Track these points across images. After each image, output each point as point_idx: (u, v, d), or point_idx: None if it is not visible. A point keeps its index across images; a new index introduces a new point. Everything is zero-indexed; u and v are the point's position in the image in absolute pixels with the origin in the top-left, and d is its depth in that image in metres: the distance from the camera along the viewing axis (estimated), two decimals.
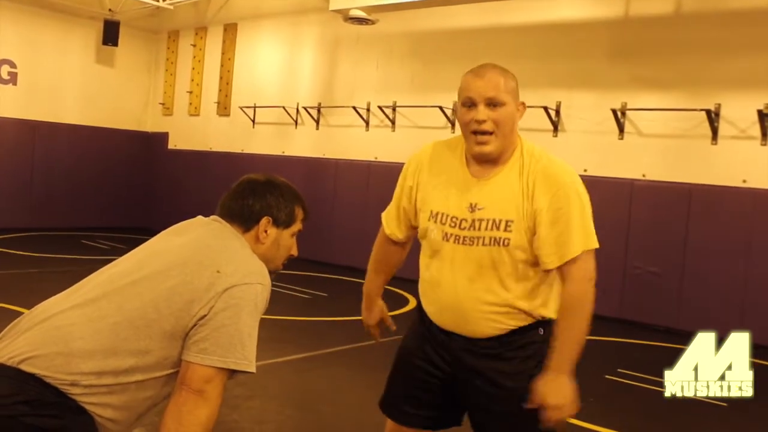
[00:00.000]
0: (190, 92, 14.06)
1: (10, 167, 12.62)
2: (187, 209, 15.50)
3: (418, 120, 10.53)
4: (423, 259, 2.38)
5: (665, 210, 8.28)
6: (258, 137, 12.76)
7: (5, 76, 12.72)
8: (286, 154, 12.22)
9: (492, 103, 2.16)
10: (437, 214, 2.27)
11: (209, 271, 1.85)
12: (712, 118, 7.93)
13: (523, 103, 2.27)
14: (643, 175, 8.46)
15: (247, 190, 2.10)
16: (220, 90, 13.50)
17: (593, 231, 2.21)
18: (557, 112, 9.08)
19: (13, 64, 12.76)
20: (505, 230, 2.17)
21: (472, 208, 2.21)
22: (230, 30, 13.31)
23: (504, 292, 2.20)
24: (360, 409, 4.79)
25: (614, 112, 8.52)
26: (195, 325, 1.82)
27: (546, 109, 9.01)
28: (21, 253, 10.17)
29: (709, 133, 7.99)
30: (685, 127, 8.21)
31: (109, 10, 13.37)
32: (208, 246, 1.96)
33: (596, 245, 2.19)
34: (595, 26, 8.89)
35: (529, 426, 2.17)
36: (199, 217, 2.14)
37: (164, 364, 1.86)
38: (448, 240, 2.24)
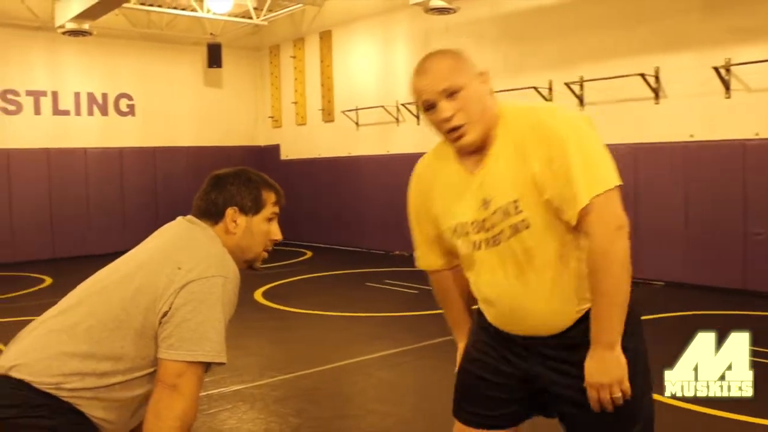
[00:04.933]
0: (295, 103, 14.44)
1: (136, 192, 13.49)
2: (299, 217, 15.87)
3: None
4: (469, 280, 2.16)
5: None
6: (362, 139, 12.92)
7: (124, 109, 13.57)
8: (390, 152, 12.28)
9: (449, 93, 1.94)
10: (456, 226, 2.07)
11: (170, 269, 1.90)
12: None
13: (483, 72, 2.00)
14: (756, 134, 7.88)
15: (211, 186, 2.11)
16: (322, 97, 13.78)
17: (605, 168, 1.88)
18: (656, 78, 8.61)
19: (130, 97, 13.59)
20: (516, 213, 1.93)
21: (485, 204, 1.98)
22: (326, 37, 13.55)
23: (558, 277, 1.96)
24: (441, 402, 4.73)
25: (717, 70, 7.98)
26: (161, 323, 1.88)
27: (643, 76, 8.57)
28: None
29: None
30: None
31: (211, 34, 13.94)
32: (172, 244, 2.00)
33: (611, 184, 1.86)
34: None
35: (615, 419, 1.96)
36: (178, 218, 2.15)
37: (142, 364, 1.92)
38: (479, 248, 2.03)
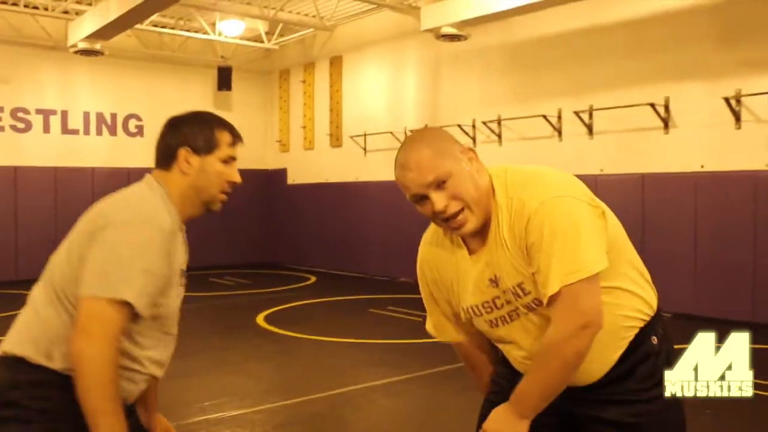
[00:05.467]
0: (304, 127, 14.44)
1: None
2: (304, 242, 15.74)
3: (523, 131, 10.28)
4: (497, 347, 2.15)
5: None
6: (370, 164, 12.88)
7: (133, 130, 13.61)
8: None
9: (438, 185, 1.83)
10: (469, 308, 2.02)
11: (100, 221, 1.90)
12: None
13: (468, 149, 1.91)
14: (767, 165, 7.82)
15: (165, 129, 2.08)
16: (331, 122, 13.78)
17: (583, 255, 1.77)
18: (666, 108, 8.57)
19: (139, 118, 13.63)
20: (524, 294, 1.88)
21: (494, 282, 1.93)
22: (336, 63, 13.59)
23: None
24: (444, 430, 4.64)
25: (727, 100, 7.94)
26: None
27: (653, 105, 8.54)
28: None
29: None
30: None
31: (222, 57, 14.00)
32: (111, 199, 2.00)
33: (587, 273, 1.76)
34: (697, 11, 8.35)
35: None
36: None
37: None
38: (497, 325, 1.99)
